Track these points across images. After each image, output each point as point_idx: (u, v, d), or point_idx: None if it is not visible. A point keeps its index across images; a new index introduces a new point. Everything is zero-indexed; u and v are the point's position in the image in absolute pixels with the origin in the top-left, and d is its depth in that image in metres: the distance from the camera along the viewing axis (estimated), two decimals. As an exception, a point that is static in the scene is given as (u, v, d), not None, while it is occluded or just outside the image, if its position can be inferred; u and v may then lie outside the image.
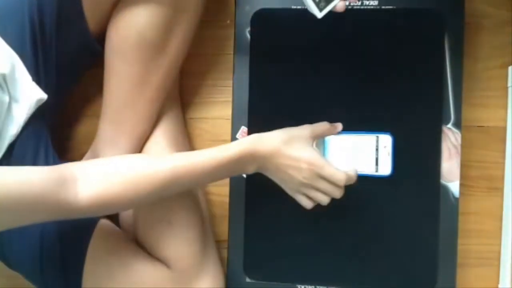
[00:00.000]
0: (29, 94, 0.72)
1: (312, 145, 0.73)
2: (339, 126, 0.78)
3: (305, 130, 0.73)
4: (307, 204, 0.73)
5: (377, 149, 0.78)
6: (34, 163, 0.74)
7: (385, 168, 0.78)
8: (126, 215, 0.81)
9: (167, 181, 0.66)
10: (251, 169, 0.71)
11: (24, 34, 0.71)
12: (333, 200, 0.74)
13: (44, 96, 0.73)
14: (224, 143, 0.83)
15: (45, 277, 0.73)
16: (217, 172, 0.69)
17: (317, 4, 0.65)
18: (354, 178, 0.72)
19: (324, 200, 0.72)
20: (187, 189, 0.74)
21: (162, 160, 0.68)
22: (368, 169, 0.78)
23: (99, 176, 0.64)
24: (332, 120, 0.77)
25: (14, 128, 0.71)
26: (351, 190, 0.78)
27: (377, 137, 0.78)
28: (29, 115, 0.72)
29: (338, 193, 0.72)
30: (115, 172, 0.65)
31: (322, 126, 0.76)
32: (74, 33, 0.75)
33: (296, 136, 0.72)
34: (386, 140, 0.77)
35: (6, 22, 0.71)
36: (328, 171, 0.70)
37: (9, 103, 0.71)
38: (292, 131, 0.72)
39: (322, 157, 0.72)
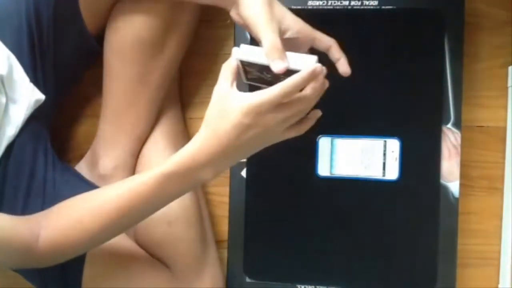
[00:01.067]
0: (27, 95, 0.72)
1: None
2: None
3: (219, 89, 0.58)
4: (301, 130, 0.61)
5: (384, 154, 0.77)
6: (33, 164, 0.74)
7: (393, 173, 0.78)
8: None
9: (117, 212, 0.61)
10: (208, 176, 0.60)
11: (22, 35, 0.71)
12: (334, 200, 0.75)
13: (42, 97, 0.73)
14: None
15: (44, 278, 0.73)
16: (163, 192, 0.60)
17: (246, 75, 0.61)
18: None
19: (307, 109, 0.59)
20: (144, 216, 0.65)
21: (105, 192, 0.64)
22: (376, 174, 0.78)
23: (54, 222, 0.63)
24: (330, 119, 0.77)
25: (12, 129, 0.71)
26: (352, 191, 0.78)
27: (385, 141, 0.77)
28: (27, 116, 0.72)
29: (311, 102, 0.58)
30: (66, 215, 0.63)
31: (227, 64, 0.59)
32: (72, 33, 0.75)
33: (220, 110, 0.57)
34: (393, 145, 0.77)
35: (3, 23, 0.71)
36: (269, 100, 0.54)
37: (6, 104, 0.71)
38: (211, 110, 0.58)
39: (246, 94, 0.56)
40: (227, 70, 0.59)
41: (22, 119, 0.72)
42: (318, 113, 0.62)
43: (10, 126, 0.71)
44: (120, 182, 0.64)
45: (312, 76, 0.55)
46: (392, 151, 0.77)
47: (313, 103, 0.58)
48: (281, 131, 0.59)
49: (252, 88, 0.59)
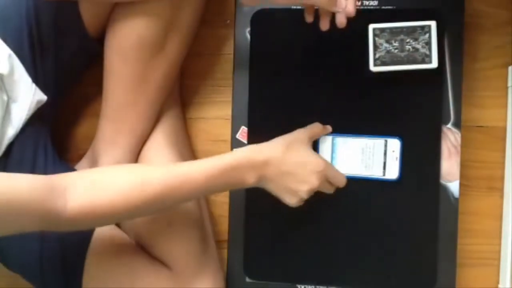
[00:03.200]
0: (28, 96, 0.72)
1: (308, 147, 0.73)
2: (329, 127, 0.78)
3: (302, 134, 0.73)
4: (294, 202, 0.71)
5: (385, 153, 0.77)
6: (33, 164, 0.74)
7: (393, 172, 0.77)
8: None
9: (158, 194, 0.63)
10: (251, 180, 0.68)
11: (22, 35, 0.71)
12: (334, 200, 0.74)
13: (43, 97, 0.74)
14: (224, 143, 0.84)
15: (45, 279, 0.73)
16: (212, 183, 0.66)
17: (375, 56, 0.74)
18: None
19: (309, 195, 0.71)
20: (184, 201, 0.71)
21: (152, 171, 0.65)
22: (376, 173, 0.78)
23: (87, 186, 0.61)
24: (330, 119, 0.77)
25: (12, 129, 0.71)
26: (352, 191, 0.78)
27: (386, 141, 0.77)
28: (28, 116, 0.72)
29: (331, 191, 0.75)
30: (104, 182, 0.62)
31: (315, 127, 0.76)
32: (72, 35, 0.75)
33: (295, 141, 0.71)
34: (394, 145, 0.77)
35: (4, 24, 0.71)
36: (334, 173, 0.73)
37: (8, 104, 0.71)
38: (289, 137, 0.72)
39: (322, 158, 0.73)
40: (316, 133, 0.76)
41: (23, 119, 0.72)
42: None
43: (11, 126, 0.71)
44: (173, 165, 0.67)
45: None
46: (393, 151, 0.77)
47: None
48: (302, 193, 0.70)
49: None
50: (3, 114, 0.70)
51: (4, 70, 0.69)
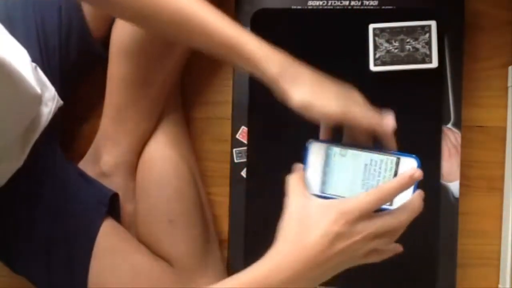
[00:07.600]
0: (52, 103, 0.74)
1: None
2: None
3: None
4: (380, 257, 0.56)
5: (395, 176, 0.58)
6: (44, 164, 0.75)
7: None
8: (128, 215, 0.81)
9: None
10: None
11: (31, 40, 0.73)
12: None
13: (61, 102, 0.76)
14: (224, 143, 0.84)
15: (52, 278, 0.73)
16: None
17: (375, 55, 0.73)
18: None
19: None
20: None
21: None
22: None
23: None
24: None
25: (34, 136, 0.73)
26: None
27: (398, 159, 0.59)
28: (49, 120, 0.74)
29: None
30: None
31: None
32: (76, 39, 0.76)
33: (294, 222, 0.55)
34: (409, 165, 0.59)
35: (13, 28, 0.73)
36: (359, 207, 0.52)
37: (40, 110, 0.72)
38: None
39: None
40: (296, 182, 0.56)
41: (45, 125, 0.73)
42: (399, 248, 0.58)
43: (34, 133, 0.73)
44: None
45: (411, 182, 0.53)
46: (392, 151, 0.77)
47: (403, 227, 0.54)
48: (364, 253, 0.54)
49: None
50: (29, 124, 0.71)
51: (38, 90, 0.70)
